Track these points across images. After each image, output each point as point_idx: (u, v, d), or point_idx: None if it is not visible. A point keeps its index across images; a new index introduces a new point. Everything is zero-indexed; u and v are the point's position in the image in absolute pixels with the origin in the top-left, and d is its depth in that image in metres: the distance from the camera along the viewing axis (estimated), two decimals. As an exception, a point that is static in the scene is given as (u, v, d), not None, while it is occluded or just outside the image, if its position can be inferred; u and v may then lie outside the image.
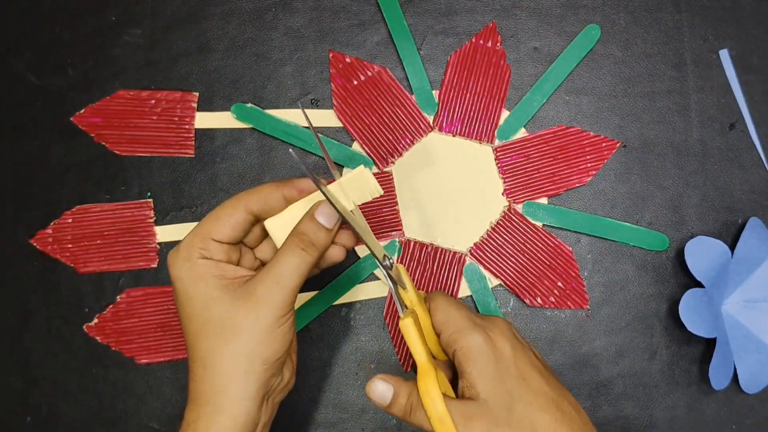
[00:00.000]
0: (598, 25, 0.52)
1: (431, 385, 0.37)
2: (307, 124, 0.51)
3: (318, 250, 0.38)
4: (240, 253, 0.41)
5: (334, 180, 0.40)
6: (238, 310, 0.37)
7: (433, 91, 0.52)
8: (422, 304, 0.41)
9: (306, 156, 0.51)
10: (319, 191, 0.38)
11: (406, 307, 0.40)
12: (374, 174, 0.51)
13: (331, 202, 0.38)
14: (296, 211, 0.40)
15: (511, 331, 0.40)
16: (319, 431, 0.49)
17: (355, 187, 0.39)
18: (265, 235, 0.42)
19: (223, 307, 0.37)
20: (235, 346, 0.37)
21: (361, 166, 0.39)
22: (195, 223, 0.50)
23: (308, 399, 0.50)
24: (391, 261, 0.41)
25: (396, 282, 0.40)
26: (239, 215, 0.39)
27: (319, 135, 0.51)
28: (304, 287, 0.50)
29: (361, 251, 0.51)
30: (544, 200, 0.51)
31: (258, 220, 0.40)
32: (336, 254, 0.41)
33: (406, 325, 0.38)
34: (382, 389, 0.38)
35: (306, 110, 0.52)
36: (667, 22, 0.53)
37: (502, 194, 0.51)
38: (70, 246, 0.50)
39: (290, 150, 0.36)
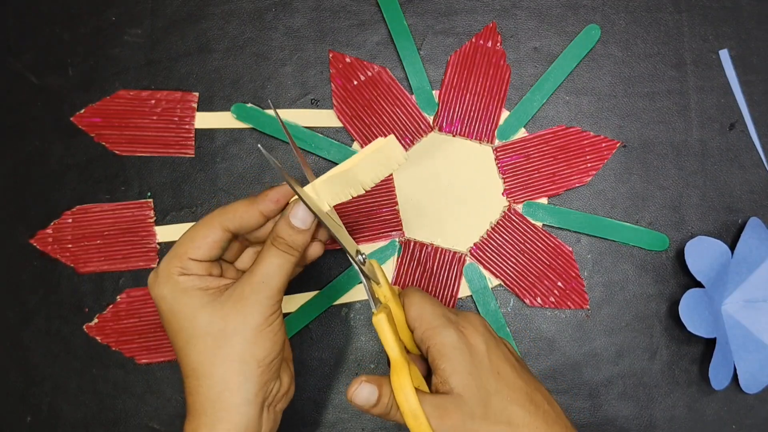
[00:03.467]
0: (598, 25, 0.52)
1: (404, 380, 0.37)
2: (310, 125, 0.52)
3: (297, 251, 0.38)
4: (221, 268, 0.40)
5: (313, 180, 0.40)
6: (226, 314, 0.37)
7: (433, 91, 0.52)
8: (397, 299, 0.41)
9: (306, 156, 0.51)
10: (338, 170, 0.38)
11: (379, 302, 0.40)
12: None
13: (305, 203, 0.38)
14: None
15: (485, 327, 0.40)
16: (319, 431, 0.49)
17: (381, 158, 0.39)
18: (244, 248, 0.42)
19: (209, 315, 0.37)
20: (226, 351, 0.37)
21: (391, 136, 0.39)
22: (195, 223, 0.50)
23: (308, 399, 0.50)
24: (363, 256, 0.40)
25: (369, 277, 0.40)
26: (215, 234, 0.38)
27: (319, 135, 0.51)
28: (305, 287, 0.50)
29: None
30: (544, 200, 0.51)
31: (235, 236, 0.40)
32: (315, 251, 0.41)
33: (379, 321, 0.38)
34: (367, 392, 0.37)
35: (306, 110, 0.52)
36: (667, 22, 0.53)
37: (502, 194, 0.51)
38: (70, 246, 0.50)
39: (259, 145, 0.35)
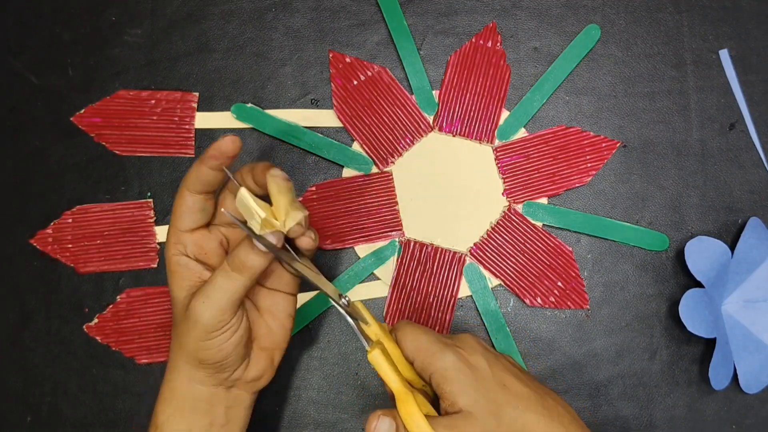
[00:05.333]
0: (598, 25, 0.52)
1: (411, 407, 0.37)
2: (310, 125, 0.51)
3: (250, 272, 0.38)
4: (221, 235, 0.42)
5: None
6: (182, 316, 0.39)
7: (433, 91, 0.52)
8: (388, 335, 0.41)
9: (306, 155, 0.51)
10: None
11: (371, 340, 0.40)
12: (374, 174, 0.51)
13: (279, 258, 0.39)
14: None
15: (481, 345, 0.40)
16: (319, 431, 0.49)
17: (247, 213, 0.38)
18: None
19: (178, 310, 0.40)
20: (179, 343, 0.40)
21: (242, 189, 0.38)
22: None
23: (308, 399, 0.50)
24: (346, 299, 0.41)
25: (356, 318, 0.40)
26: (187, 200, 0.40)
27: (319, 135, 0.51)
28: (305, 288, 0.50)
29: (361, 251, 0.51)
30: (544, 200, 0.51)
31: (209, 194, 0.41)
32: (306, 243, 0.40)
33: (375, 357, 0.38)
34: (387, 426, 0.38)
35: (306, 110, 0.52)
36: (667, 22, 0.53)
37: (502, 194, 0.51)
38: (70, 246, 0.50)
39: (222, 210, 0.40)
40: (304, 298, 0.50)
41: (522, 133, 0.52)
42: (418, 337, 0.39)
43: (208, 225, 0.42)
